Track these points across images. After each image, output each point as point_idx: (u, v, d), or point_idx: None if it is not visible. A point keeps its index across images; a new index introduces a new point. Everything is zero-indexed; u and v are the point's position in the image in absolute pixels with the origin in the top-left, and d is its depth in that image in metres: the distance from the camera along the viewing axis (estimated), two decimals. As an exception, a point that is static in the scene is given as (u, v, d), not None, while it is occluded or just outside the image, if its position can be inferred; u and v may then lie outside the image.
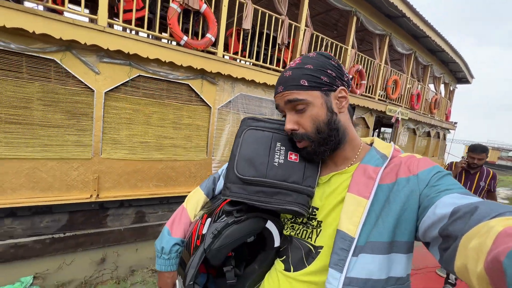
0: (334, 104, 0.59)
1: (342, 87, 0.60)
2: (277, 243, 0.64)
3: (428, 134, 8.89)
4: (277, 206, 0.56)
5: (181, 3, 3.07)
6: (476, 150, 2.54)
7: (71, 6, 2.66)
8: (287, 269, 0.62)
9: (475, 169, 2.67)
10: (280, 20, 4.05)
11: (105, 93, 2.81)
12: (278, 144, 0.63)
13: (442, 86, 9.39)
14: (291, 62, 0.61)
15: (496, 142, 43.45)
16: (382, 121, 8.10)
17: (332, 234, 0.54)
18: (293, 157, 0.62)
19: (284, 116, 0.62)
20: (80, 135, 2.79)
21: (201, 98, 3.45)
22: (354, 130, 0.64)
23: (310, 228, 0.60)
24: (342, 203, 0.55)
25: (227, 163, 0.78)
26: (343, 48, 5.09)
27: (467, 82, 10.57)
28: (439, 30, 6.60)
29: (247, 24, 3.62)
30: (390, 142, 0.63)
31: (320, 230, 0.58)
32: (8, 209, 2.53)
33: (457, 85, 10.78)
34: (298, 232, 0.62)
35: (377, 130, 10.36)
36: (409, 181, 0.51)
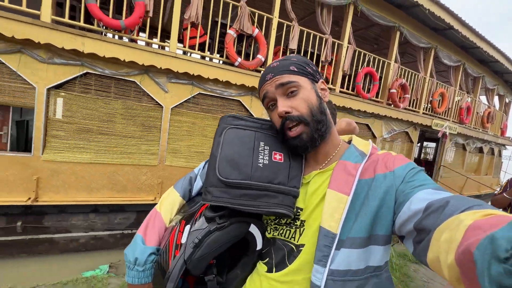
0: (319, 93, 0.62)
1: (322, 80, 0.64)
2: (259, 245, 0.62)
3: (481, 150, 8.17)
4: (263, 209, 0.55)
5: (237, 29, 3.45)
6: None
7: (143, 35, 3.19)
8: (269, 270, 0.61)
9: None
10: (324, 39, 4.26)
11: (171, 108, 3.25)
12: (262, 143, 0.61)
13: (496, 98, 8.64)
14: (274, 60, 0.62)
15: None
16: (425, 135, 7.69)
17: (315, 231, 0.54)
18: (277, 157, 0.60)
19: (272, 105, 0.62)
20: (150, 144, 3.24)
21: (250, 112, 3.74)
22: (334, 126, 0.66)
23: (293, 228, 0.59)
24: (323, 201, 0.55)
25: (204, 162, 0.76)
26: (385, 63, 5.09)
27: (526, 93, 9.55)
28: (490, 39, 6.22)
29: (293, 44, 3.89)
30: (368, 141, 0.64)
31: (303, 229, 0.57)
32: (92, 205, 3.02)
33: (514, 97, 9.79)
34: (281, 232, 0.61)
35: (418, 144, 9.79)
36: (386, 177, 0.52)
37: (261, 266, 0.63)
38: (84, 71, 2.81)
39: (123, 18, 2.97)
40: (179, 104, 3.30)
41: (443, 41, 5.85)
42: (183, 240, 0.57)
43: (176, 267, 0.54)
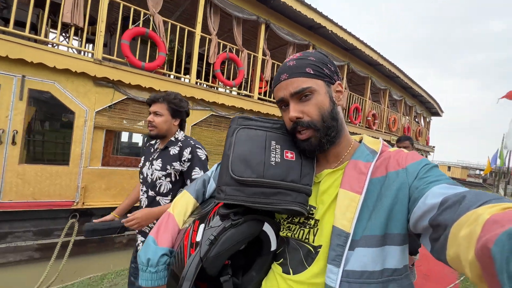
0: (334, 96, 0.60)
1: (339, 82, 0.61)
2: (273, 246, 0.60)
3: (416, 156, 11.58)
4: (277, 206, 0.54)
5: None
6: (400, 140, 2.88)
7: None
8: (285, 271, 0.59)
9: None
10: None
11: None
12: (273, 142, 0.61)
13: (422, 119, 12.36)
14: (292, 56, 0.62)
15: (464, 162, 48.70)
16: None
17: (329, 232, 0.53)
18: (289, 155, 0.59)
19: (284, 106, 0.61)
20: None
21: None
22: (347, 127, 0.65)
23: (307, 227, 0.58)
24: (336, 200, 0.54)
25: (216, 165, 0.77)
26: (362, 99, 7.60)
27: (438, 115, 13.76)
28: (413, 73, 9.44)
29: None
30: (379, 139, 0.64)
31: (317, 229, 0.56)
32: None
33: (432, 117, 13.92)
34: (295, 232, 0.59)
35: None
36: (398, 174, 0.52)
37: (276, 267, 0.61)
38: (210, 114, 4.31)
39: (231, 79, 4.60)
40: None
41: (393, 84, 8.76)
42: (198, 238, 0.56)
43: (192, 265, 0.53)
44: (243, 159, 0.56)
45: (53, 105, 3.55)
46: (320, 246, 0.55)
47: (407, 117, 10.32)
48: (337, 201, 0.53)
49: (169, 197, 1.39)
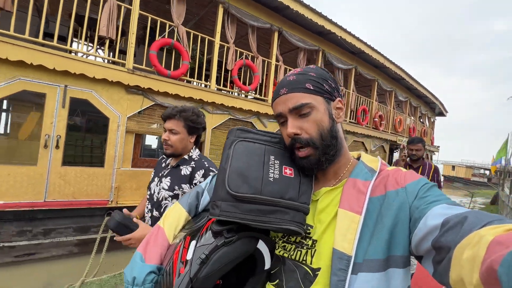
0: (333, 113, 0.58)
1: (339, 99, 0.60)
2: (267, 265, 0.57)
3: (421, 156, 11.80)
4: (274, 225, 0.51)
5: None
6: (413, 142, 2.68)
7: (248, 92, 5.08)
8: None
9: (417, 163, 2.73)
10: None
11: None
12: (272, 157, 0.59)
13: (426, 120, 12.53)
14: (292, 71, 0.61)
15: (468, 161, 48.50)
16: (392, 147, 10.87)
17: (329, 253, 0.51)
18: (288, 171, 0.57)
19: (282, 122, 0.59)
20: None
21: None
22: (346, 145, 0.64)
23: (304, 248, 0.55)
24: (335, 220, 0.52)
25: (211, 177, 0.75)
26: (369, 101, 7.82)
27: (443, 115, 13.92)
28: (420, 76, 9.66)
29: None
30: (377, 157, 0.63)
31: (315, 250, 0.54)
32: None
33: (436, 117, 14.08)
34: (291, 253, 0.57)
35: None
36: (398, 193, 0.51)
37: None
38: (229, 117, 4.57)
39: (247, 84, 4.86)
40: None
41: (398, 85, 8.97)
42: (189, 257, 0.53)
43: (181, 286, 0.49)
44: (240, 173, 0.54)
45: (90, 112, 3.83)
46: (319, 269, 0.52)
47: (412, 118, 10.52)
48: (337, 222, 0.51)
49: None
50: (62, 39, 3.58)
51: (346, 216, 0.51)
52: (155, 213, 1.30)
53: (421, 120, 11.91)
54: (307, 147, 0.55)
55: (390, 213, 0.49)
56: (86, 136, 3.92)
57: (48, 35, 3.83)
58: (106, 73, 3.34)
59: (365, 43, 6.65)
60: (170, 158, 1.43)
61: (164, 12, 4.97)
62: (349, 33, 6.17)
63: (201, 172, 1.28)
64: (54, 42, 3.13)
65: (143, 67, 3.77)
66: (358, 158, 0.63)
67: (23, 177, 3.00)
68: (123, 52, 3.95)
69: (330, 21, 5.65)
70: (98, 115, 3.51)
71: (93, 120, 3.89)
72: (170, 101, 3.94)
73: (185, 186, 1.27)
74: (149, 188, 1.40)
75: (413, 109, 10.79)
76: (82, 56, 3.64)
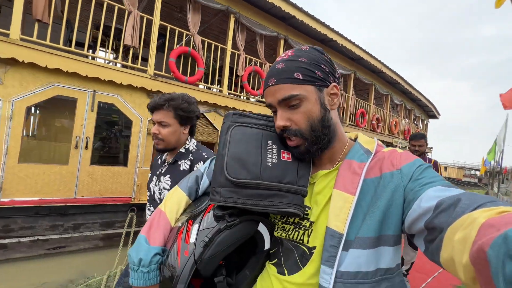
0: (326, 101, 0.57)
1: (334, 84, 0.57)
2: (267, 245, 0.60)
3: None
4: (273, 208, 0.53)
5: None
6: (416, 137, 2.69)
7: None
8: (280, 272, 0.59)
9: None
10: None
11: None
12: (269, 142, 0.59)
13: (420, 122, 13.04)
14: (283, 54, 0.57)
15: (459, 162, 49.77)
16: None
17: (324, 232, 0.53)
18: (285, 156, 0.58)
19: (274, 111, 0.59)
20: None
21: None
22: (342, 128, 0.63)
23: (302, 229, 0.57)
24: (330, 201, 0.54)
25: (209, 161, 0.77)
26: (367, 104, 8.21)
27: (435, 117, 14.49)
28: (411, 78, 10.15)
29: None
30: (373, 138, 0.62)
31: (312, 230, 0.56)
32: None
33: (429, 120, 14.65)
34: (289, 233, 0.59)
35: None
36: (393, 176, 0.51)
37: (270, 268, 0.62)
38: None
39: (255, 89, 5.16)
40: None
41: (394, 89, 9.41)
42: (192, 240, 0.55)
43: (186, 267, 0.52)
44: (239, 159, 0.54)
45: (115, 115, 4.07)
46: (314, 248, 0.55)
47: (406, 120, 10.99)
48: (331, 202, 0.53)
49: None
50: (88, 47, 3.83)
51: (340, 197, 0.52)
52: None
53: (415, 122, 12.42)
54: (295, 137, 0.56)
55: (385, 195, 0.50)
56: (111, 137, 4.16)
57: (77, 44, 4.09)
58: (131, 79, 3.61)
59: (363, 50, 7.04)
60: (166, 154, 1.32)
61: (177, 20, 5.26)
62: (349, 41, 6.55)
63: (201, 164, 1.18)
64: (85, 51, 3.39)
65: (163, 73, 4.05)
66: (356, 139, 0.64)
67: (56, 176, 3.24)
68: (144, 60, 4.21)
69: (332, 29, 6.02)
70: (123, 118, 3.78)
71: (118, 123, 4.14)
72: (186, 105, 4.23)
73: None
74: (148, 188, 1.31)
75: (407, 112, 11.27)
76: (108, 63, 3.89)
